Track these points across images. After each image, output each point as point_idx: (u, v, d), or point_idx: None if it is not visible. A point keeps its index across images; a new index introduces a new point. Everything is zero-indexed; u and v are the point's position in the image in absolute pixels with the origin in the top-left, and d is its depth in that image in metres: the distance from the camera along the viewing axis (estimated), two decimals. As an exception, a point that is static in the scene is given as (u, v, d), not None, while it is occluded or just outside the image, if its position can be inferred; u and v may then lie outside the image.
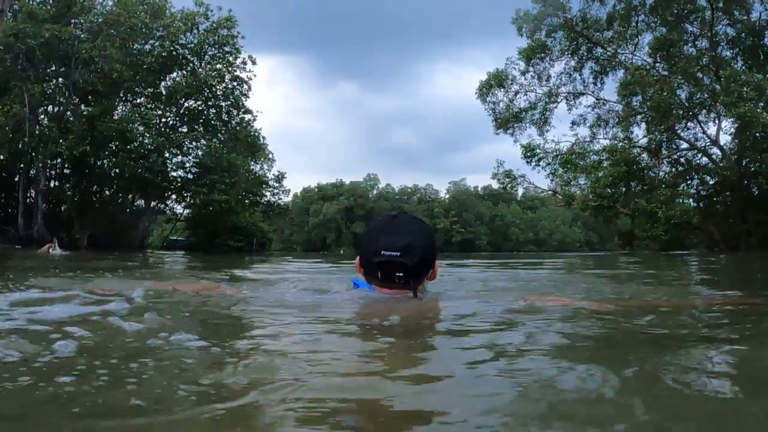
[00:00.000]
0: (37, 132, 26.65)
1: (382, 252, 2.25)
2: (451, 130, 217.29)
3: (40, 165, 27.42)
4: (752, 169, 29.08)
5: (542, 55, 34.57)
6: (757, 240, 27.58)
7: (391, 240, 2.27)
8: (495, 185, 41.70)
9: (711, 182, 32.22)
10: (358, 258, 2.45)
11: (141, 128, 29.45)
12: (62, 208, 30.48)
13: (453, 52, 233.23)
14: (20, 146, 26.69)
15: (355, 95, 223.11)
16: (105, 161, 30.10)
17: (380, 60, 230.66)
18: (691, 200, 31.59)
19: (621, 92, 31.88)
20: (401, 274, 2.25)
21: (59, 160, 29.29)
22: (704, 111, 31.02)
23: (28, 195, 28.79)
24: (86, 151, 26.31)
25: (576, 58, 34.36)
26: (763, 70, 28.22)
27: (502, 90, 35.42)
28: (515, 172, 35.95)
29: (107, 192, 32.94)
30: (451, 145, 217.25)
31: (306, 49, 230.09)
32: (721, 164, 30.23)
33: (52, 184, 30.46)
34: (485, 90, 35.38)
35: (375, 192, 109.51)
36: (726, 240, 29.24)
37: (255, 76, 34.21)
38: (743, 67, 28.27)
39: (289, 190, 48.25)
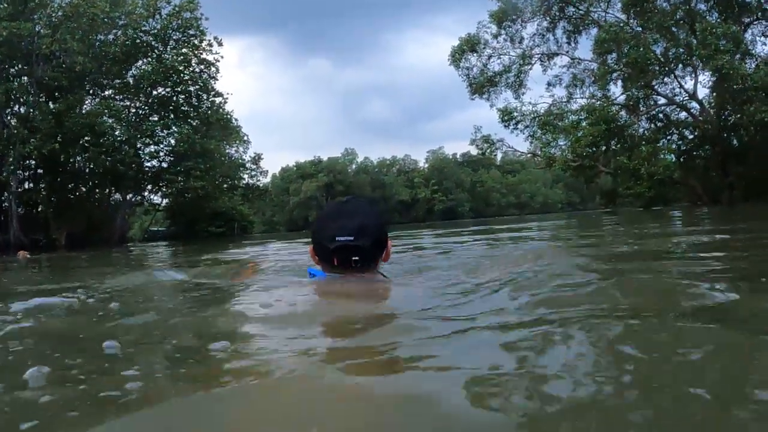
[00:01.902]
0: (4, 134, 25.71)
1: (336, 238, 2.22)
2: (425, 100, 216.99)
3: (11, 167, 26.55)
4: (731, 121, 28.92)
5: (514, 17, 34.06)
6: (740, 192, 27.57)
7: (343, 224, 2.25)
8: (474, 151, 41.44)
9: (690, 137, 32.11)
10: (311, 247, 2.42)
11: (110, 121, 28.65)
12: (39, 209, 29.65)
13: (422, 20, 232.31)
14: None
15: (327, 71, 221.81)
16: (77, 158, 29.36)
17: (349, 33, 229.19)
18: (671, 156, 31.46)
19: (596, 50, 31.51)
20: (357, 258, 2.23)
21: (32, 162, 28.46)
22: (680, 66, 30.75)
23: (3, 199, 27.94)
24: (55, 149, 25.49)
25: (548, 18, 33.85)
26: (738, 21, 27.95)
27: (474, 55, 34.96)
28: (493, 137, 35.67)
29: (83, 189, 32.17)
30: (426, 114, 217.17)
31: (273, 28, 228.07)
32: (700, 118, 30.07)
33: (26, 186, 29.72)
34: (458, 55, 34.89)
35: (354, 166, 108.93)
36: (708, 193, 29.21)
37: (222, 57, 33.62)
38: (718, 20, 27.90)
39: (267, 171, 48.01)
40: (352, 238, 2.22)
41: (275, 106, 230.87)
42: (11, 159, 26.21)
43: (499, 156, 68.85)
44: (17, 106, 27.71)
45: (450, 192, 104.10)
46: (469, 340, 1.43)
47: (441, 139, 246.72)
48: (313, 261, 2.44)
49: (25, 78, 27.33)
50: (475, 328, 1.52)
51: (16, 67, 27.54)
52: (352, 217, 2.28)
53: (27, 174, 29.80)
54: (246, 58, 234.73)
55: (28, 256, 14.65)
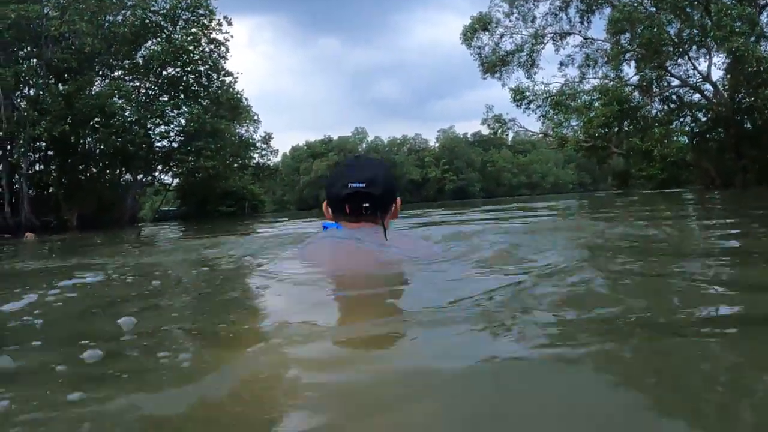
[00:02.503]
0: (14, 116, 25.69)
1: (349, 185, 2.36)
2: (436, 79, 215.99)
3: (21, 149, 26.59)
4: (745, 104, 28.50)
5: (526, -5, 33.61)
6: (753, 175, 27.22)
7: (356, 174, 2.39)
8: (485, 131, 41.12)
9: (703, 119, 31.71)
10: (324, 203, 2.56)
11: (120, 101, 28.58)
12: (50, 191, 29.74)
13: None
14: (-1, 133, 25.81)
15: (337, 50, 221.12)
16: (87, 139, 29.38)
17: (358, 12, 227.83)
18: (684, 138, 31.10)
19: (610, 29, 31.02)
20: (368, 205, 2.36)
21: (43, 144, 28.47)
22: (694, 47, 30.28)
23: (14, 181, 28.04)
24: (65, 131, 25.47)
25: (561, -4, 33.39)
26: (753, 3, 27.42)
27: (486, 33, 34.55)
28: (505, 116, 35.41)
29: (93, 170, 32.21)
30: (437, 94, 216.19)
31: (283, 7, 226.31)
32: (713, 100, 29.65)
33: (37, 168, 29.80)
34: (470, 34, 34.51)
35: (364, 146, 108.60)
36: (721, 176, 28.87)
37: (232, 37, 33.49)
38: (733, 2, 27.38)
39: (278, 150, 48.05)
40: (363, 185, 2.35)
41: (285, 85, 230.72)
42: (21, 141, 26.24)
43: (511, 136, 68.55)
44: (27, 89, 27.66)
45: (461, 172, 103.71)
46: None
47: (451, 119, 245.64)
48: (326, 216, 2.55)
49: (35, 60, 27.26)
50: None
51: (25, 50, 27.45)
52: (363, 169, 2.42)
53: (38, 156, 29.82)
54: (256, 37, 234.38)
55: (35, 237, 14.89)
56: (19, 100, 26.81)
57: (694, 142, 30.67)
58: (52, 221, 26.78)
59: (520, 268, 2.44)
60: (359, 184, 2.35)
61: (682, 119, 31.82)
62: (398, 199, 2.58)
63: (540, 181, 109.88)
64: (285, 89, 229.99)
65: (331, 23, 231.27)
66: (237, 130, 40.98)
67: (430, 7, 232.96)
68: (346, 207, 2.38)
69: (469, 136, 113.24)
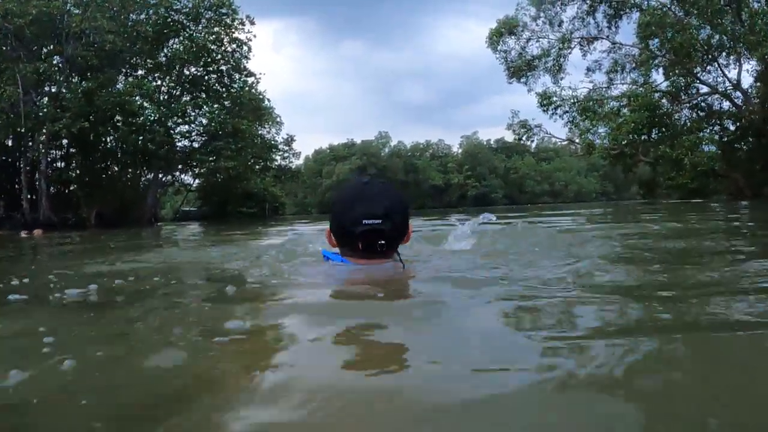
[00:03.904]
0: (33, 113, 25.64)
1: (363, 221, 2.15)
2: (460, 84, 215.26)
3: (41, 146, 26.58)
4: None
5: (553, -1, 33.09)
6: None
7: (369, 207, 2.18)
8: (510, 137, 40.75)
9: (732, 128, 30.92)
10: (328, 230, 2.36)
11: (140, 100, 28.46)
12: (71, 188, 29.73)
13: (458, 4, 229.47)
14: (19, 129, 25.76)
15: (362, 53, 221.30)
16: (108, 137, 29.34)
17: (384, 16, 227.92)
18: (713, 146, 30.32)
19: (640, 33, 30.39)
20: (383, 242, 2.17)
21: (65, 141, 28.46)
22: (724, 54, 29.57)
23: (35, 178, 28.04)
24: (85, 128, 25.39)
25: (588, 1, 32.79)
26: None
27: (513, 37, 34.22)
28: (530, 122, 34.95)
29: (114, 168, 32.19)
30: (461, 98, 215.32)
31: (309, 9, 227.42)
32: (744, 108, 28.88)
33: (59, 165, 29.81)
34: (496, 38, 34.16)
35: (387, 150, 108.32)
36: (751, 187, 28.07)
37: (254, 36, 33.14)
38: (765, 7, 26.63)
39: (300, 152, 47.98)
40: (379, 221, 2.15)
41: (310, 88, 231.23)
42: (42, 138, 26.22)
43: (535, 143, 68.24)
44: (49, 86, 27.64)
45: (483, 178, 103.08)
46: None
47: (474, 125, 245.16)
48: (329, 243, 2.38)
49: (56, 57, 27.25)
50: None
51: (48, 47, 27.43)
52: (377, 200, 2.21)
53: (59, 154, 29.84)
54: (281, 39, 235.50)
55: (42, 234, 15.30)
56: (39, 97, 26.76)
57: (723, 151, 29.86)
58: (71, 219, 26.70)
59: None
60: (375, 221, 2.15)
61: (712, 127, 31.11)
62: (410, 225, 2.39)
63: (563, 190, 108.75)
64: (309, 92, 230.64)
65: (357, 26, 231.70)
66: (259, 132, 40.83)
67: (455, 13, 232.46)
68: (359, 245, 2.18)
69: (492, 142, 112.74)
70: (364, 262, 2.22)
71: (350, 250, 2.23)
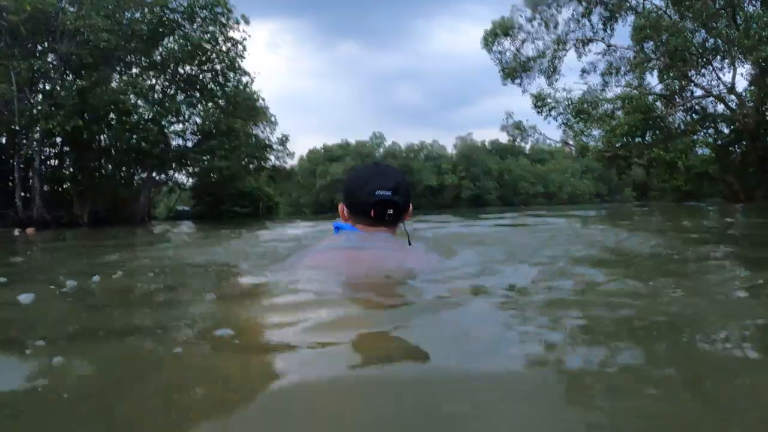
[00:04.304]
0: (27, 111, 25.46)
1: (376, 192, 2.45)
2: (454, 86, 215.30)
3: (34, 144, 26.41)
4: (766, 117, 27.75)
5: (549, 1, 33.03)
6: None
7: (382, 182, 2.48)
8: (504, 138, 40.75)
9: (726, 131, 30.95)
10: (341, 204, 2.63)
11: (133, 99, 28.31)
12: (66, 186, 29.56)
13: (452, 6, 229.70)
14: (13, 126, 25.60)
15: (357, 54, 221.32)
16: (102, 135, 29.18)
17: (379, 18, 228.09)
18: (707, 150, 30.35)
19: (635, 36, 30.40)
20: (392, 212, 2.48)
21: (59, 139, 28.30)
22: (718, 57, 29.60)
23: (30, 176, 27.87)
24: (79, 126, 25.23)
25: (584, 3, 32.77)
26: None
27: (508, 39, 34.10)
28: (525, 124, 34.94)
29: (110, 166, 32.04)
30: (455, 100, 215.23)
31: (305, 10, 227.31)
32: (738, 111, 28.91)
33: (53, 163, 29.67)
34: (491, 39, 34.06)
35: (381, 150, 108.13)
36: (746, 191, 28.12)
37: (249, 36, 33.03)
38: (761, 11, 26.65)
39: (294, 153, 47.99)
40: (390, 193, 2.46)
41: (305, 89, 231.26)
42: (35, 136, 26.06)
43: (529, 144, 68.32)
44: (43, 83, 27.49)
45: (477, 179, 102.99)
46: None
47: (469, 126, 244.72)
48: (342, 217, 2.64)
49: (51, 54, 27.10)
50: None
51: (42, 45, 27.27)
52: (388, 177, 2.52)
53: (53, 152, 29.69)
54: (277, 40, 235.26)
55: (34, 232, 15.35)
56: (33, 95, 26.59)
57: (716, 154, 29.90)
58: (64, 217, 26.57)
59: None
60: (386, 192, 2.46)
61: (706, 130, 31.15)
62: (410, 205, 2.68)
63: (557, 191, 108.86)
64: (304, 93, 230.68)
65: (352, 28, 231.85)
66: (253, 131, 40.74)
67: (450, 15, 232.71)
68: (371, 212, 2.47)
69: (486, 143, 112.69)
70: (373, 229, 2.51)
71: (363, 219, 2.51)
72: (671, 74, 29.54)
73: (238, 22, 31.66)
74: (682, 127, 30.59)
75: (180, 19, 30.07)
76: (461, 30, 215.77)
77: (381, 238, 2.48)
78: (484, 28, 36.94)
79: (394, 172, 2.61)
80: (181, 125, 32.63)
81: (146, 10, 28.90)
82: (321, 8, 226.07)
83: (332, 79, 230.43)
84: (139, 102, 28.92)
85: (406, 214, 2.63)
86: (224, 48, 31.93)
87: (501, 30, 33.74)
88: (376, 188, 2.46)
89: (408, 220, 2.74)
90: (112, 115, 27.71)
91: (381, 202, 2.45)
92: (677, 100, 30.70)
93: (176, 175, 37.45)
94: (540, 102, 32.72)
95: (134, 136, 27.88)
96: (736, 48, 26.09)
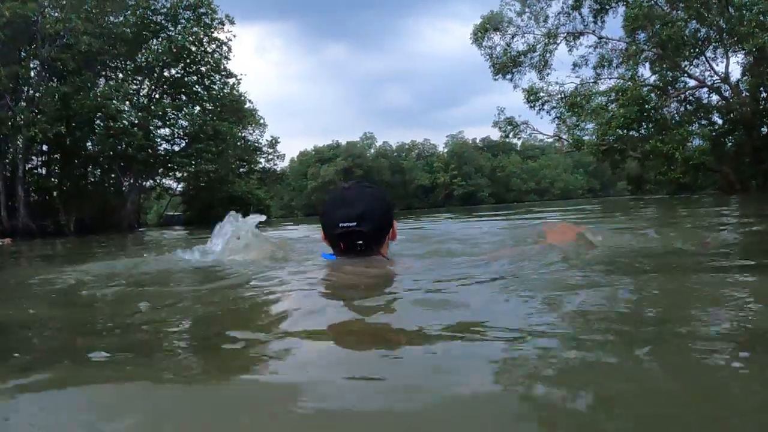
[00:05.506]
0: (10, 119, 24.74)
1: (339, 225, 2.35)
2: (444, 85, 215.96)
3: (18, 152, 25.73)
4: (762, 106, 27.43)
5: (538, -6, 32.64)
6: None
7: (346, 212, 2.37)
8: (496, 134, 40.40)
9: (720, 121, 30.60)
10: (322, 232, 2.54)
11: (116, 103, 27.65)
12: (53, 194, 28.92)
13: (438, 6, 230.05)
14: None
15: (345, 57, 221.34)
16: (87, 141, 28.55)
17: (366, 20, 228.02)
18: (701, 141, 29.95)
19: (627, 27, 29.99)
20: (361, 242, 2.36)
21: (45, 147, 27.67)
22: (711, 47, 29.26)
23: (15, 185, 27.17)
24: (62, 132, 24.56)
25: (574, -5, 32.35)
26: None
27: (498, 33, 33.69)
28: (516, 119, 34.49)
29: (97, 172, 31.42)
30: (445, 100, 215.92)
31: (292, 14, 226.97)
32: (732, 100, 28.55)
33: (41, 171, 29.02)
34: (480, 34, 33.63)
35: (372, 151, 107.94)
36: (741, 181, 27.77)
37: (234, 36, 32.48)
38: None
39: (284, 155, 47.62)
40: (354, 224, 2.34)
41: (294, 92, 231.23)
42: (19, 143, 25.41)
43: (521, 140, 68.00)
44: (26, 89, 26.78)
45: (469, 177, 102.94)
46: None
47: (460, 124, 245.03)
48: (326, 244, 2.54)
49: (34, 60, 26.43)
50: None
51: (23, 50, 26.56)
52: (353, 205, 2.38)
53: (39, 160, 29.04)
54: (265, 44, 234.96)
55: (10, 242, 15.15)
56: (14, 102, 25.88)
57: (712, 145, 29.51)
58: (50, 226, 25.94)
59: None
60: (350, 223, 2.34)
61: (700, 121, 30.80)
62: (395, 223, 2.58)
63: (549, 187, 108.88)
64: (294, 96, 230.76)
65: (339, 30, 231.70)
66: (242, 134, 40.25)
67: (437, 15, 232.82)
68: (341, 245, 2.39)
69: (478, 141, 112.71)
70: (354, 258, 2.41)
71: (336, 250, 2.45)
72: (664, 65, 29.16)
73: (222, 23, 31.04)
74: (677, 118, 30.20)
75: (163, 21, 29.48)
76: (448, 29, 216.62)
77: (363, 261, 2.37)
78: (473, 24, 36.59)
79: (364, 195, 2.45)
80: (167, 130, 32.02)
81: (129, 12, 28.28)
82: (307, 11, 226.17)
83: (321, 81, 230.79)
84: (125, 107, 28.28)
85: (387, 235, 2.50)
86: (209, 49, 31.32)
87: (490, 25, 33.34)
88: (339, 220, 2.36)
89: (394, 241, 2.63)
90: (98, 122, 27.06)
91: (345, 234, 2.35)
92: (671, 91, 30.31)
93: (164, 180, 36.90)
94: (532, 96, 32.34)
95: (120, 143, 27.25)
96: (727, 36, 25.77)
